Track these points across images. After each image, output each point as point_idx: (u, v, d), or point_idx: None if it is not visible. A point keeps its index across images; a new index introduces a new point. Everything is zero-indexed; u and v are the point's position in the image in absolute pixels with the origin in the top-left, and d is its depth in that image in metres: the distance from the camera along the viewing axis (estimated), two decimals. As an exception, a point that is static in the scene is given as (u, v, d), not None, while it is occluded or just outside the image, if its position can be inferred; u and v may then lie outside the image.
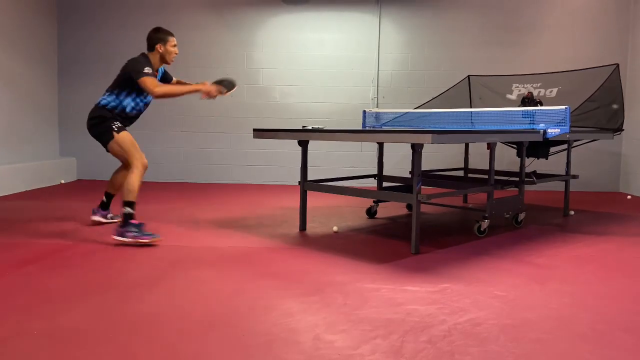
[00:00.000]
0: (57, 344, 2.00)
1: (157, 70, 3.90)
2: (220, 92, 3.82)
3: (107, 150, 3.86)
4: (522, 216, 4.37)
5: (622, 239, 4.01)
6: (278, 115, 7.11)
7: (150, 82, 3.63)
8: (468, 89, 6.02)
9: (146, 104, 3.96)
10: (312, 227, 4.25)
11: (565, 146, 4.97)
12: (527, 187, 4.90)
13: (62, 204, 5.26)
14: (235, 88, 3.93)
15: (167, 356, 1.92)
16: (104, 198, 4.25)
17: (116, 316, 2.29)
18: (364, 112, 5.63)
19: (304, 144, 4.10)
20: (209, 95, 3.79)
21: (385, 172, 5.01)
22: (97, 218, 4.24)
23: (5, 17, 6.10)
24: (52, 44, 7.13)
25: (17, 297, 2.53)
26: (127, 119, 3.89)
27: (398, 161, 6.78)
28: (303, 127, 4.36)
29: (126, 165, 4.01)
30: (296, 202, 5.34)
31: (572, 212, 5.09)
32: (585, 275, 3.02)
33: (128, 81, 3.72)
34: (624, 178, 6.85)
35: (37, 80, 6.80)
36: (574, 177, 4.99)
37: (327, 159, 7.08)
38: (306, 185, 4.10)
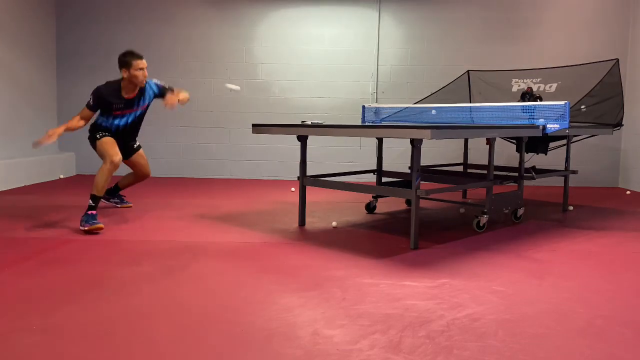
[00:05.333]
0: (55, 340, 2.00)
1: (135, 92, 4.23)
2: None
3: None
4: (521, 211, 4.37)
5: (621, 234, 4.01)
6: (277, 110, 7.10)
7: (77, 116, 4.24)
8: (468, 84, 6.01)
9: (126, 123, 4.34)
10: (311, 222, 4.25)
11: (564, 141, 4.97)
12: (527, 183, 4.90)
13: (62, 198, 5.25)
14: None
15: (165, 351, 1.92)
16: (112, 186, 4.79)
17: (114, 311, 2.29)
18: (363, 107, 5.62)
19: (303, 139, 4.09)
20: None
21: (385, 167, 5.01)
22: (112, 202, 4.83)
23: (4, 11, 6.08)
24: (50, 38, 7.11)
25: (16, 292, 2.53)
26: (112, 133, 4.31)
27: (397, 156, 6.77)
28: (302, 122, 4.36)
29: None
30: (295, 197, 5.35)
31: (571, 208, 5.09)
32: (584, 271, 3.02)
33: None
34: (623, 173, 6.85)
35: (35, 74, 6.78)
36: (573, 172, 4.98)
37: (326, 154, 7.07)
38: (305, 180, 4.10)
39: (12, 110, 6.25)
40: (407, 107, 5.43)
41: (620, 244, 3.70)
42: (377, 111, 5.56)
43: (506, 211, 4.44)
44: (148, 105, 4.39)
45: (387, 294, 2.55)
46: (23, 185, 6.08)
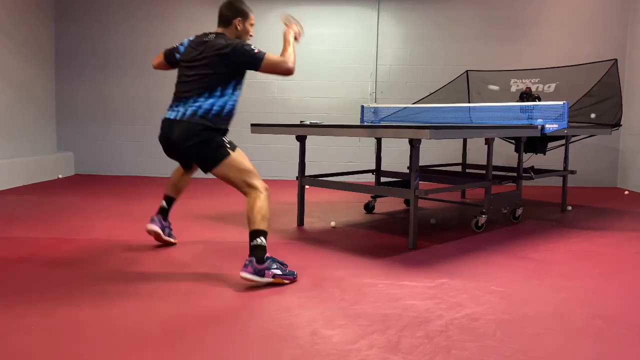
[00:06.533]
0: (54, 340, 2.00)
1: None
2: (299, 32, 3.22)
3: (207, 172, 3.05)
4: (519, 211, 4.37)
5: (620, 234, 4.01)
6: (276, 110, 7.10)
7: (277, 58, 2.90)
8: (466, 84, 6.01)
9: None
10: (310, 222, 4.25)
11: (563, 141, 4.97)
12: (525, 183, 4.90)
13: (60, 198, 5.25)
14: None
15: (163, 351, 1.92)
16: (164, 203, 3.39)
17: (113, 311, 2.28)
18: (362, 107, 5.62)
19: (302, 139, 4.09)
20: (299, 37, 3.23)
21: (384, 167, 5.00)
22: (154, 228, 3.33)
23: (3, 11, 6.07)
24: (49, 37, 7.10)
25: (14, 292, 2.52)
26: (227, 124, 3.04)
27: (396, 156, 6.77)
28: (301, 122, 4.35)
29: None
30: (294, 197, 5.33)
31: (569, 208, 5.09)
32: (583, 271, 3.02)
33: (235, 73, 2.93)
34: (621, 173, 6.85)
35: (34, 74, 6.77)
36: (572, 172, 4.99)
37: (325, 154, 7.07)
38: (304, 180, 4.09)
39: (10, 110, 6.24)
40: (406, 107, 5.43)
41: (619, 243, 3.70)
42: (376, 111, 5.55)
43: (505, 211, 4.44)
44: None
45: (385, 294, 2.55)
46: (22, 185, 6.07)
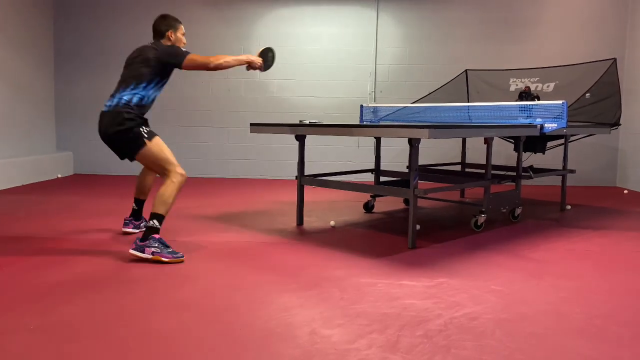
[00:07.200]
0: (53, 339, 2.00)
1: None
2: (261, 66, 3.64)
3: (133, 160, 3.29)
4: (519, 211, 4.37)
5: (619, 233, 4.01)
6: (275, 109, 7.10)
7: (200, 57, 3.30)
8: (465, 83, 6.01)
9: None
10: (309, 222, 4.25)
11: (562, 141, 4.97)
12: (524, 182, 4.90)
13: (59, 198, 5.24)
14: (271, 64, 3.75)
15: (163, 350, 1.92)
16: (135, 205, 3.75)
17: (112, 310, 2.28)
18: (362, 106, 5.62)
19: (301, 139, 4.09)
20: (254, 67, 3.60)
21: (383, 167, 5.00)
22: (128, 229, 3.73)
23: (1, 10, 6.06)
24: (48, 37, 7.10)
25: (13, 291, 2.52)
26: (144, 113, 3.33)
27: (395, 155, 6.77)
28: (300, 121, 4.35)
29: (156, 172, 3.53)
30: (293, 197, 5.33)
31: (569, 207, 5.09)
32: (582, 270, 3.02)
33: (160, 70, 3.30)
34: (621, 172, 6.85)
35: (33, 74, 6.77)
36: (571, 171, 4.99)
37: (324, 154, 7.07)
38: (303, 179, 4.09)
39: (9, 109, 6.24)
40: (405, 107, 5.43)
41: (618, 243, 3.70)
42: (375, 110, 5.55)
43: (504, 210, 4.44)
44: None
45: (385, 294, 2.55)
46: (21, 184, 6.07)
